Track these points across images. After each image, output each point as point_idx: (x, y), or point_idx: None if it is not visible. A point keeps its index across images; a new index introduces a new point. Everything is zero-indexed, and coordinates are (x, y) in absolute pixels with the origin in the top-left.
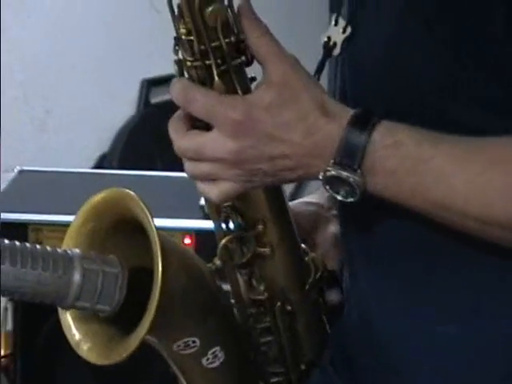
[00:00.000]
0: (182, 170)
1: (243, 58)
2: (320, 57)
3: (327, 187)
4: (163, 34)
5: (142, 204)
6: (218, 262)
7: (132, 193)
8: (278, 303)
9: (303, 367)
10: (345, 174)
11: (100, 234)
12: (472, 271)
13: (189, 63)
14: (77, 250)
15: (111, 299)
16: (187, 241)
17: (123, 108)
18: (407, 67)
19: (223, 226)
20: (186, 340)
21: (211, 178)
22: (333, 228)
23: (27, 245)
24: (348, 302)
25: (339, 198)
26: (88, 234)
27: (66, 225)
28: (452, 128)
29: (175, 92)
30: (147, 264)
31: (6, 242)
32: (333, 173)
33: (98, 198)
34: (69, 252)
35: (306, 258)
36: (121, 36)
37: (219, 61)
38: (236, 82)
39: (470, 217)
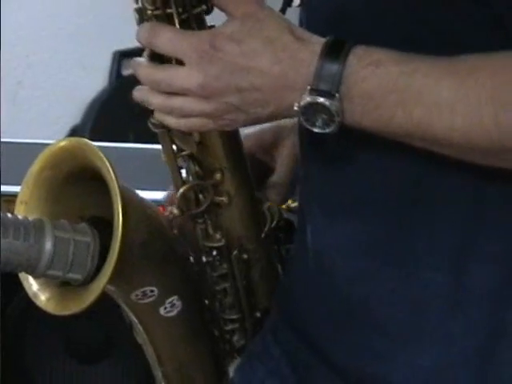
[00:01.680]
0: (154, 141)
1: (204, 6)
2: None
3: (303, 119)
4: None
5: (101, 154)
6: (175, 210)
7: (91, 143)
8: (235, 251)
9: (258, 315)
10: (322, 99)
11: (58, 182)
12: (461, 209)
13: (149, 12)
14: (48, 219)
15: (83, 268)
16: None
17: (95, 80)
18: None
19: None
20: (144, 289)
21: (183, 114)
22: (293, 139)
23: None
24: (305, 251)
25: (316, 130)
26: (45, 181)
27: None
28: None
29: (141, 33)
30: (107, 213)
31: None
32: (309, 100)
33: (57, 146)
34: (40, 220)
35: (263, 207)
36: (93, 7)
37: (180, 9)
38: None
39: (457, 129)
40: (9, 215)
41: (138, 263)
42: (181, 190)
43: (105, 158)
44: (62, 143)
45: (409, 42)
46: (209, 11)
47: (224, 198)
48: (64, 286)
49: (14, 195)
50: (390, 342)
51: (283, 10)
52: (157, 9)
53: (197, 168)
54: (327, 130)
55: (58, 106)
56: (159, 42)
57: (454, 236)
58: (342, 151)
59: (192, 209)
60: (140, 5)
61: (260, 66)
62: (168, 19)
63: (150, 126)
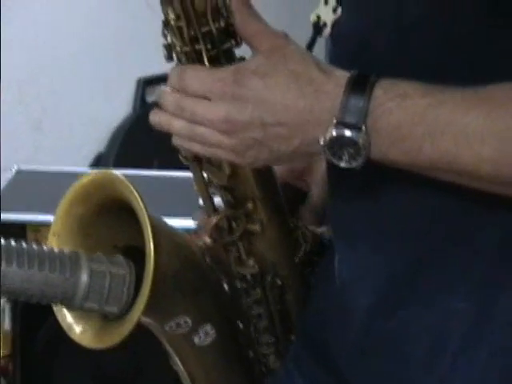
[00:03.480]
0: (179, 168)
1: (233, 41)
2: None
3: (329, 154)
4: (159, 32)
5: (129, 184)
6: (208, 240)
7: (119, 174)
8: (269, 277)
9: (293, 337)
10: (349, 132)
11: (89, 214)
12: (488, 236)
13: (178, 48)
14: (83, 252)
15: (119, 300)
16: None
17: (119, 107)
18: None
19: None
20: (177, 320)
21: (205, 143)
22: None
23: (34, 246)
24: (331, 280)
25: (342, 164)
26: (76, 214)
27: None
28: None
29: (171, 76)
30: (138, 245)
31: (13, 243)
32: (335, 133)
33: (85, 180)
34: (76, 253)
35: (297, 233)
36: (117, 34)
37: (209, 45)
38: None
39: (486, 159)
40: (45, 248)
41: (171, 294)
42: (214, 220)
43: (133, 189)
44: (91, 176)
45: (436, 73)
46: (238, 44)
47: (256, 226)
48: (98, 319)
49: (40, 224)
50: (414, 371)
51: (313, 40)
52: (185, 45)
53: (229, 197)
54: (354, 165)
55: (82, 133)
56: (188, 84)
57: (480, 267)
58: (367, 185)
59: (225, 237)
60: (169, 41)
61: (285, 100)
62: (197, 56)
63: (182, 159)
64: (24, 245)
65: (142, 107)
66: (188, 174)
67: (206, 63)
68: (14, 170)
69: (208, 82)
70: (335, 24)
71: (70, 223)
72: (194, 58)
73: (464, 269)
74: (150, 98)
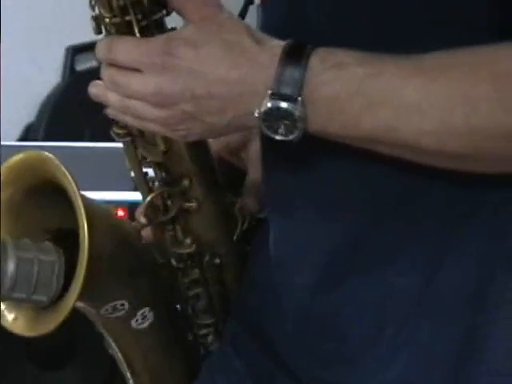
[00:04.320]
0: (110, 139)
1: (164, 11)
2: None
3: (264, 126)
4: None
5: (62, 166)
6: (143, 219)
7: (50, 155)
8: (207, 257)
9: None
10: (284, 104)
11: (18, 199)
12: (430, 205)
13: (107, 20)
14: (9, 238)
15: (48, 289)
16: (120, 213)
17: (48, 76)
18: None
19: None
20: (114, 303)
21: (139, 116)
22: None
23: None
24: (266, 260)
25: (278, 137)
26: (4, 200)
27: None
28: None
29: (99, 49)
30: (71, 227)
31: None
32: (270, 105)
33: (14, 161)
34: (1, 241)
35: (234, 210)
36: (46, 2)
37: (139, 16)
38: None
39: (427, 131)
40: None
41: (107, 277)
42: (148, 198)
43: (65, 170)
44: (20, 157)
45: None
46: (168, 14)
47: (193, 204)
48: (31, 306)
49: None
50: (352, 351)
51: (246, 8)
52: (114, 16)
53: (163, 174)
54: (290, 137)
55: (11, 103)
56: (118, 56)
57: (421, 238)
58: (304, 156)
59: (160, 216)
60: (97, 12)
61: (217, 71)
62: (127, 27)
63: (113, 135)
64: None
65: (72, 76)
66: (120, 146)
67: (137, 34)
68: None
69: (137, 53)
70: None
71: None
72: (124, 30)
73: (403, 241)
74: (79, 67)
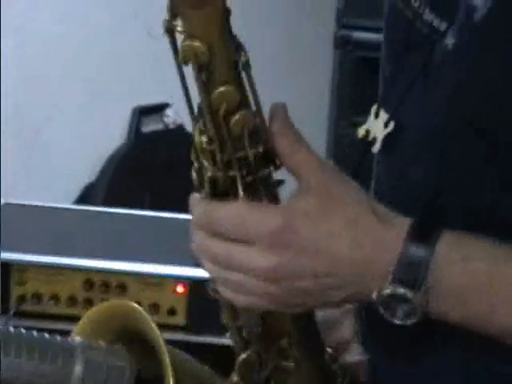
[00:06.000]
0: (171, 208)
1: (271, 167)
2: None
3: (381, 308)
4: (157, 60)
5: (148, 318)
6: (235, 378)
7: (136, 306)
8: None
9: None
10: (404, 291)
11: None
12: None
13: (209, 173)
14: (80, 339)
15: None
16: (180, 289)
17: (113, 136)
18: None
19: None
20: None
21: (242, 291)
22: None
23: (23, 332)
24: None
25: (396, 321)
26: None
27: (53, 266)
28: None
29: (196, 211)
30: (154, 378)
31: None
32: (389, 291)
33: (97, 310)
34: (70, 341)
35: (334, 367)
36: (113, 62)
37: (244, 172)
38: (263, 196)
39: None
40: (35, 334)
41: None
42: (242, 356)
43: (151, 322)
44: (105, 306)
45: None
46: (277, 169)
47: (290, 363)
48: None
49: (26, 264)
50: None
51: (362, 159)
52: (218, 170)
53: (259, 330)
54: (408, 322)
55: (74, 161)
56: (220, 227)
57: None
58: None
59: (254, 374)
60: (198, 164)
61: (340, 249)
62: (231, 182)
63: (210, 291)
64: (12, 331)
65: (137, 137)
66: (183, 216)
67: (241, 192)
68: (1, 203)
69: (249, 224)
70: (386, 139)
71: None
72: (227, 185)
73: None
74: (145, 129)
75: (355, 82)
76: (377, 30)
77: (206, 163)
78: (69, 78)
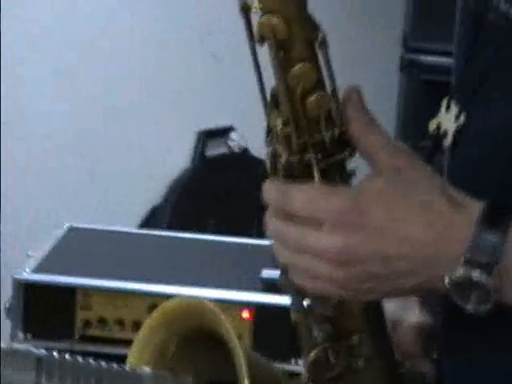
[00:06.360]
0: (235, 232)
1: (346, 152)
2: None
3: (454, 294)
4: (221, 83)
5: (221, 315)
6: (306, 375)
7: (208, 302)
8: None
9: None
10: (478, 274)
11: (170, 347)
12: None
13: (284, 157)
14: (147, 369)
15: None
16: (245, 315)
17: (178, 160)
18: None
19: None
20: None
21: (309, 276)
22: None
23: (91, 362)
24: None
25: (469, 307)
26: (156, 347)
27: (118, 291)
28: None
29: (269, 194)
30: (227, 379)
31: (69, 359)
32: (462, 273)
33: (167, 306)
34: (138, 372)
35: (404, 368)
36: (177, 85)
37: (320, 156)
38: (338, 181)
39: None
40: (103, 364)
41: None
42: (312, 354)
43: (224, 319)
44: (172, 304)
45: None
46: (352, 155)
47: (360, 362)
48: None
49: (91, 288)
50: None
51: (433, 152)
52: (292, 155)
53: (328, 327)
54: (481, 309)
55: (138, 185)
56: (292, 206)
57: None
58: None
59: (324, 373)
60: (272, 150)
61: (411, 232)
62: (305, 167)
63: (280, 284)
64: (81, 361)
65: (201, 161)
66: (248, 241)
67: (316, 176)
68: (65, 227)
69: (322, 206)
70: (457, 133)
71: (148, 355)
72: (302, 170)
73: None
74: (209, 152)
75: (420, 106)
76: (443, 54)
77: (280, 148)
78: (134, 102)
